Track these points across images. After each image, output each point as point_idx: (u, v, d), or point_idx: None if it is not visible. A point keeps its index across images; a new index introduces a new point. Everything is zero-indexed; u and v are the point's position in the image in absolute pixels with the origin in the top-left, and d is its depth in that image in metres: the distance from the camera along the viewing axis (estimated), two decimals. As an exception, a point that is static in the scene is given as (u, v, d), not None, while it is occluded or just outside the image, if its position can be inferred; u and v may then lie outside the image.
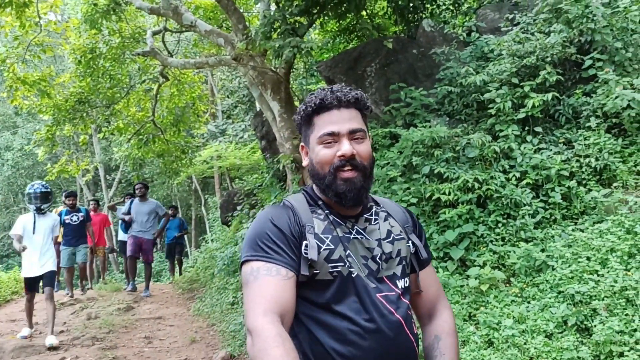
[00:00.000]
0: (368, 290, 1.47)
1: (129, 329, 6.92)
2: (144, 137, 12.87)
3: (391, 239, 1.57)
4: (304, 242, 1.45)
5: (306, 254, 1.44)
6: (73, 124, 12.05)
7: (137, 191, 9.72)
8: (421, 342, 1.66)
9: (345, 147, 1.48)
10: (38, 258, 6.16)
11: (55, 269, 6.45)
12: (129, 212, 9.54)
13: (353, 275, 1.46)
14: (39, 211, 6.34)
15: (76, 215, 8.90)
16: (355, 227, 1.55)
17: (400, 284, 1.54)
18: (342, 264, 1.46)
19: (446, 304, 1.69)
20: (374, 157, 1.60)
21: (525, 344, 3.58)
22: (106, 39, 11.41)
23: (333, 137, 1.51)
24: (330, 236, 1.49)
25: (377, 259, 1.52)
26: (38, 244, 6.20)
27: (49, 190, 6.54)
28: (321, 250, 1.45)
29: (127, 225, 9.73)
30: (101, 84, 11.71)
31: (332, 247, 1.47)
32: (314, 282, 1.45)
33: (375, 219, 1.60)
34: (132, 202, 9.66)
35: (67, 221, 8.79)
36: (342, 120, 1.50)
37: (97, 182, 25.75)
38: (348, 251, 1.48)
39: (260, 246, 1.43)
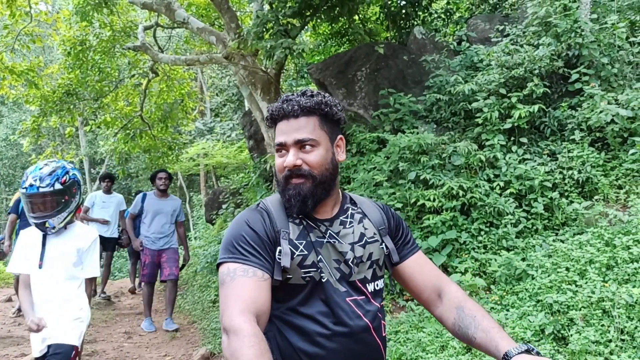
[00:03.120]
0: (337, 295, 1.50)
1: (109, 323, 6.88)
2: (131, 131, 12.82)
3: (363, 242, 1.58)
4: (278, 248, 1.48)
5: (279, 259, 1.46)
6: (60, 115, 11.93)
7: (158, 181, 6.64)
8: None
9: (289, 158, 1.50)
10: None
11: None
12: (140, 213, 6.74)
13: (323, 281, 1.49)
14: None
15: None
16: (329, 230, 1.55)
17: (370, 287, 1.57)
18: (315, 269, 1.49)
19: (448, 279, 1.64)
20: (335, 164, 1.57)
21: (502, 350, 3.62)
22: (97, 32, 11.32)
23: (283, 147, 1.52)
24: (305, 242, 1.51)
25: (350, 262, 1.53)
26: None
27: None
28: (294, 257, 1.48)
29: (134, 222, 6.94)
30: (90, 76, 11.61)
31: (306, 252, 1.49)
32: (287, 285, 1.49)
33: (350, 222, 1.60)
34: (144, 196, 6.81)
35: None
36: (291, 130, 1.50)
37: (82, 175, 25.47)
38: (320, 256, 1.50)
39: (236, 248, 1.45)
